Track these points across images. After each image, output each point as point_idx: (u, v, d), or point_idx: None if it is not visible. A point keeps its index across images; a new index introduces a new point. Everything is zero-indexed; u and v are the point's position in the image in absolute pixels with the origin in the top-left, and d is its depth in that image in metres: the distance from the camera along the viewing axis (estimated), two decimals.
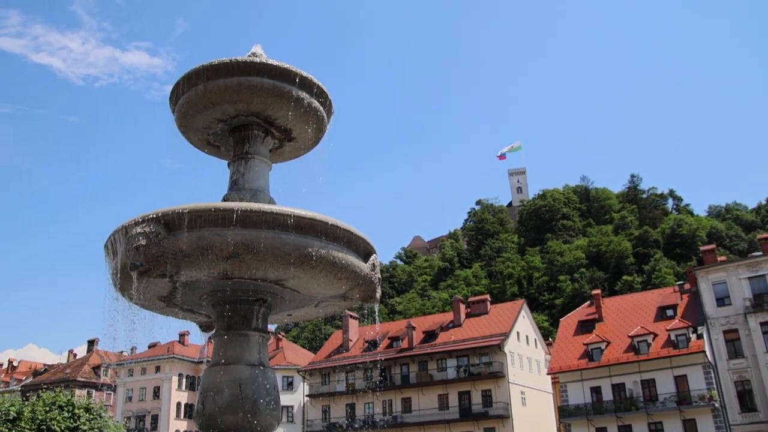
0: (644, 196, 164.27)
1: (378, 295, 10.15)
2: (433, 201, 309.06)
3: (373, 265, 9.79)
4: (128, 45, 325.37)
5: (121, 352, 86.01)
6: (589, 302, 66.89)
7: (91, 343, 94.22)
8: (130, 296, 9.11)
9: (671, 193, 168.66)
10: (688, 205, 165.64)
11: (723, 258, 62.89)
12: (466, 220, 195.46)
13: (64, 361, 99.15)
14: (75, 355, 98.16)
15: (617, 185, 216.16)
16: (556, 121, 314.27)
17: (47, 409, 30.23)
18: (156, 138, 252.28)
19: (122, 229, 8.70)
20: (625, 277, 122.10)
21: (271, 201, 10.57)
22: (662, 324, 55.46)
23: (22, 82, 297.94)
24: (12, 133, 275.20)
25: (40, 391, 34.91)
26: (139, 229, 8.35)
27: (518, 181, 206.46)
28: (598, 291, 66.53)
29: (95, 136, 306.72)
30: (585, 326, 60.60)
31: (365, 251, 9.73)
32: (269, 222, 8.35)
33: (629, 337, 55.01)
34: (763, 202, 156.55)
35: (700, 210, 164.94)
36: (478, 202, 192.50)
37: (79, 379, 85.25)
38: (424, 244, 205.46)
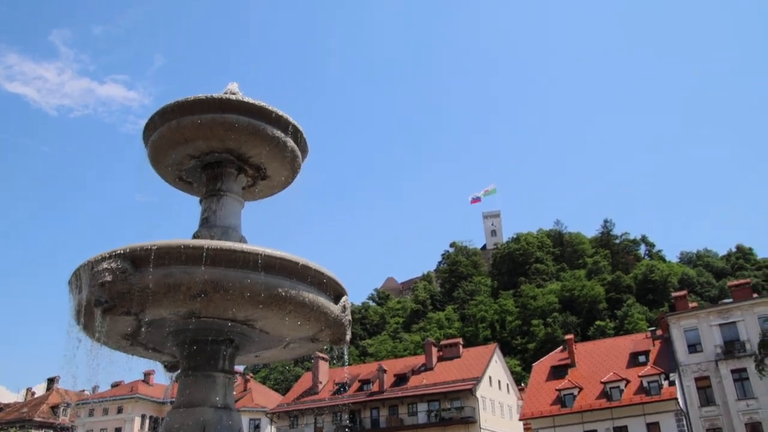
0: (617, 241, 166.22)
1: (348, 337, 10.12)
2: (407, 242, 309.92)
3: (344, 306, 9.77)
4: (105, 77, 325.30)
5: (83, 390, 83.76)
6: (561, 347, 66.92)
7: (51, 382, 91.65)
8: (94, 334, 8.98)
9: (644, 239, 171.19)
10: (660, 251, 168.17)
11: (694, 304, 63.59)
12: (439, 263, 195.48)
13: (21, 399, 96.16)
14: (33, 394, 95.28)
15: (591, 230, 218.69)
16: (531, 165, 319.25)
17: None
18: (129, 172, 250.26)
19: (87, 264, 8.60)
20: (597, 322, 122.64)
21: (243, 239, 10.56)
22: (634, 370, 55.64)
23: None
24: None
25: None
26: (105, 265, 8.25)
27: (493, 224, 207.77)
28: (570, 336, 66.63)
29: (67, 168, 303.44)
30: (557, 371, 60.52)
31: (336, 292, 9.70)
32: (239, 261, 8.31)
33: (601, 383, 55.05)
34: (734, 250, 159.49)
35: (672, 256, 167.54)
36: (452, 245, 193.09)
37: (36, 419, 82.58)
38: (397, 285, 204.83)
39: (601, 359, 59.86)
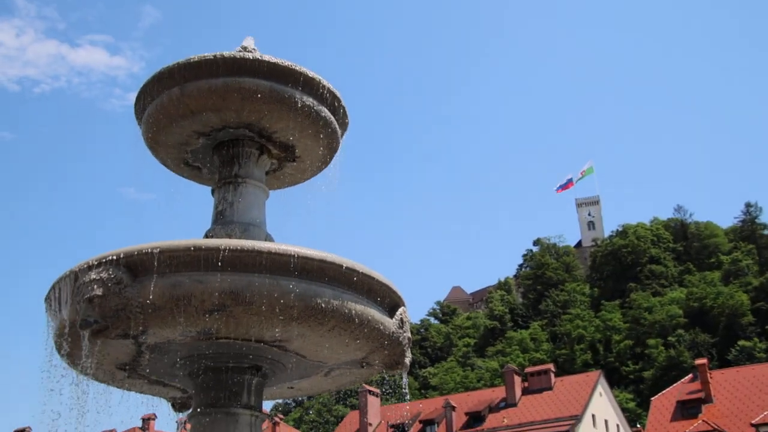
0: (766, 232, 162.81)
1: (408, 360, 10.19)
2: (478, 241, 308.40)
3: (401, 320, 9.83)
4: (79, 39, 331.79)
5: None
6: (691, 375, 66.37)
7: None
8: (79, 364, 9.02)
9: None
10: None
11: None
12: (520, 266, 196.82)
13: None
14: None
15: (726, 218, 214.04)
16: (638, 134, 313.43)
17: None
18: (117, 160, 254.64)
19: (70, 275, 8.72)
20: (741, 342, 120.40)
21: (268, 237, 10.76)
22: None
23: None
24: None
25: None
26: (93, 275, 8.35)
27: (590, 214, 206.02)
28: (703, 360, 66.13)
29: (35, 158, 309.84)
30: (687, 408, 59.96)
31: (391, 303, 9.78)
32: (266, 264, 8.39)
33: (752, 425, 54.11)
34: None
35: None
36: (536, 242, 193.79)
37: None
38: (465, 297, 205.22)
39: (749, 392, 59.00)
